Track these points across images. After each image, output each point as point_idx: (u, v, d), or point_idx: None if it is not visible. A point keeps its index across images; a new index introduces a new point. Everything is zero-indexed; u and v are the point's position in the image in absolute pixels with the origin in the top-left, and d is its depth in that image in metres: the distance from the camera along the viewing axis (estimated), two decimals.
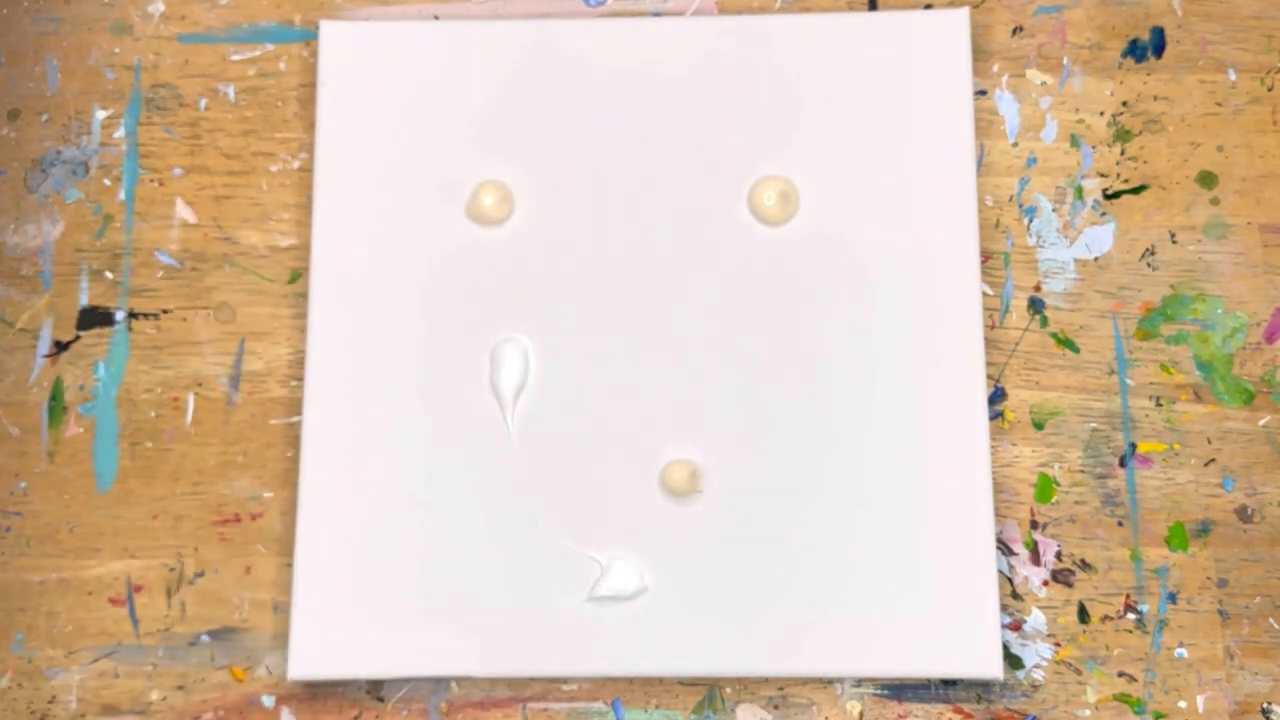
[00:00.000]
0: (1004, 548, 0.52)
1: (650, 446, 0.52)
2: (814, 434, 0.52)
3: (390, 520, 0.51)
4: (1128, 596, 0.51)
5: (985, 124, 0.56)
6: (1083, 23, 0.56)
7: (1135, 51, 0.56)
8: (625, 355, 0.53)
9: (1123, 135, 0.55)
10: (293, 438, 0.53)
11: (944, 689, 0.51)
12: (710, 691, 0.51)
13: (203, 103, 0.57)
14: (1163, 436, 0.53)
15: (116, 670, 0.52)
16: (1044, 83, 0.56)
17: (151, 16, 0.58)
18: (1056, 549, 0.52)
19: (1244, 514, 0.52)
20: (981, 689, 0.51)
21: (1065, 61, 0.56)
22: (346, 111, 0.55)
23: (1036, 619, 0.51)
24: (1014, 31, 0.56)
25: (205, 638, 0.52)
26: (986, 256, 0.54)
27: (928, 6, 0.56)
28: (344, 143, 0.55)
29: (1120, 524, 0.52)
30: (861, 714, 0.51)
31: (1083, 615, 0.51)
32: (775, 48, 0.55)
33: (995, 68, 0.56)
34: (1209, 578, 0.51)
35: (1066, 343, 0.54)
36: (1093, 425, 0.53)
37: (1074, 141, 0.55)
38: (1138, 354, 0.53)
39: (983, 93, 0.56)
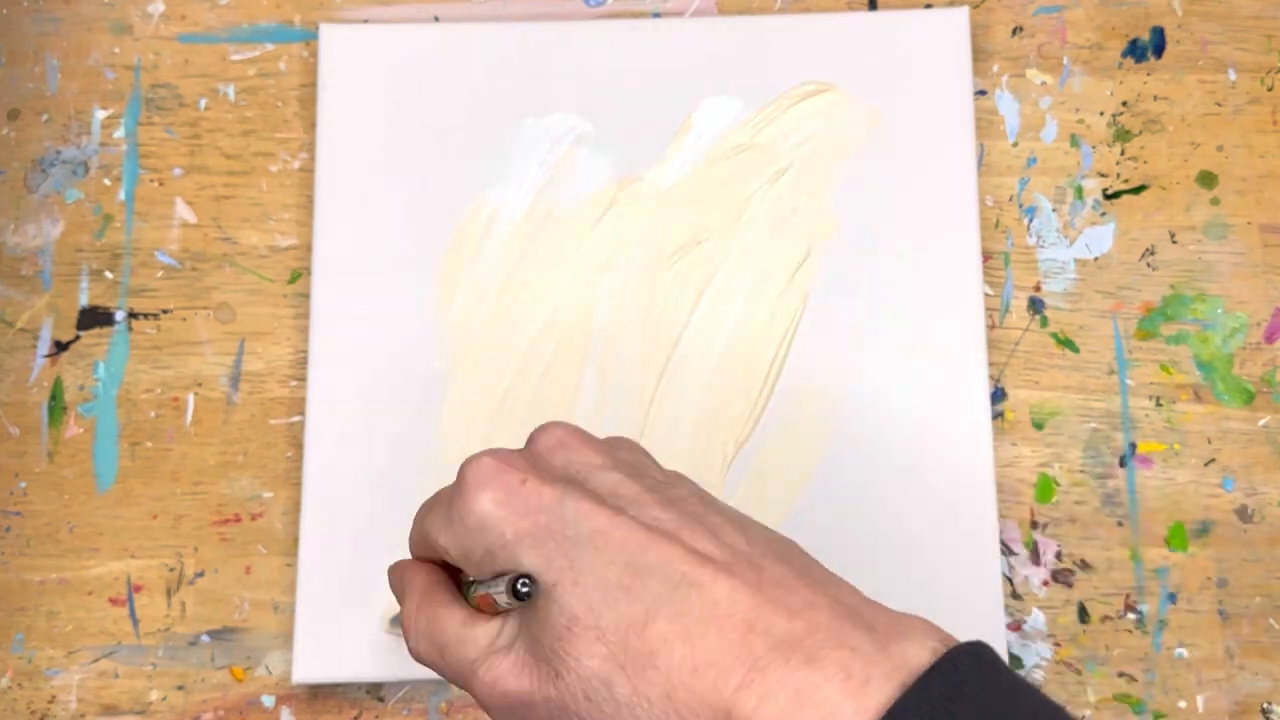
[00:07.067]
0: (1004, 548, 0.52)
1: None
2: (815, 434, 0.52)
3: (392, 521, 0.51)
4: (1128, 597, 0.51)
5: (985, 124, 0.56)
6: (1083, 23, 0.56)
7: (1135, 51, 0.56)
8: (624, 352, 0.53)
9: (1123, 135, 0.55)
10: (293, 438, 0.53)
11: None
12: None
13: (203, 103, 0.57)
14: (1163, 436, 0.53)
15: (116, 670, 0.52)
16: (1044, 83, 0.56)
17: (151, 16, 0.58)
18: (1056, 549, 0.52)
19: (1244, 514, 0.52)
20: None
21: (1065, 61, 0.56)
22: (347, 112, 0.55)
23: (1036, 619, 0.51)
24: (1014, 31, 0.56)
25: (205, 638, 0.52)
26: (986, 256, 0.54)
27: (928, 6, 0.56)
28: (344, 143, 0.54)
29: (1120, 524, 0.52)
30: None
31: (1083, 615, 0.51)
32: (775, 48, 0.55)
33: (995, 68, 0.56)
34: (1209, 578, 0.51)
35: (1066, 343, 0.54)
36: (1093, 425, 0.53)
37: (1074, 141, 0.55)
38: (1138, 354, 0.53)
39: (983, 93, 0.56)
